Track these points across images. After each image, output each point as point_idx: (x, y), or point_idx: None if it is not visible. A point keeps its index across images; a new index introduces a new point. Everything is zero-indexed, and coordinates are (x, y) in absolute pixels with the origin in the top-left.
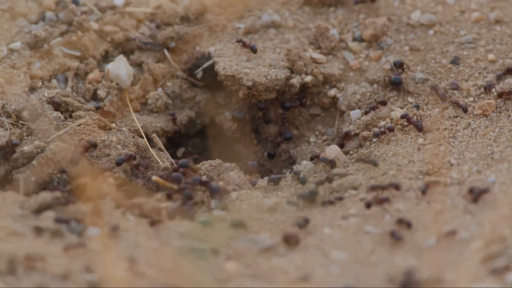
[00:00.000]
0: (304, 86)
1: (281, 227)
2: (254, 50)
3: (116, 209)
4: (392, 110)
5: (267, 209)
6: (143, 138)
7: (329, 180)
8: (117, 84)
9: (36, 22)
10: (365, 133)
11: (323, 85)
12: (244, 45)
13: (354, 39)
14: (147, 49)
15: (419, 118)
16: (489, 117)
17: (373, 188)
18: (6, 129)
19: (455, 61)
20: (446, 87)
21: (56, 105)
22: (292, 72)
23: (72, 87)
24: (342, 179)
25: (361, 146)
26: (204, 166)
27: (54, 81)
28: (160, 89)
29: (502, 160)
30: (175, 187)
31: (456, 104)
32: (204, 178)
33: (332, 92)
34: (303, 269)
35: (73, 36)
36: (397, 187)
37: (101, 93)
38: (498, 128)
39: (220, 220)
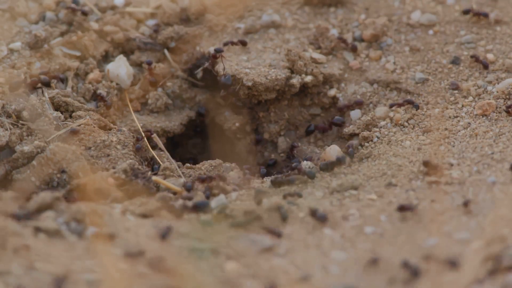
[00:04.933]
0: (304, 86)
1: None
2: (243, 43)
3: (116, 209)
4: (392, 110)
5: (267, 209)
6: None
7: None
8: (117, 84)
9: (36, 22)
10: (365, 133)
11: (323, 85)
12: (233, 43)
13: (354, 39)
14: (147, 49)
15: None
16: (489, 117)
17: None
18: (6, 129)
19: (455, 61)
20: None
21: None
22: (292, 72)
23: (72, 87)
24: (342, 179)
25: (361, 146)
26: (204, 166)
27: (54, 81)
28: (160, 89)
29: (502, 160)
30: (176, 188)
31: (476, 59)
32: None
33: (332, 92)
34: (303, 269)
35: (73, 36)
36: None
37: (101, 93)
38: (498, 128)
39: (220, 220)
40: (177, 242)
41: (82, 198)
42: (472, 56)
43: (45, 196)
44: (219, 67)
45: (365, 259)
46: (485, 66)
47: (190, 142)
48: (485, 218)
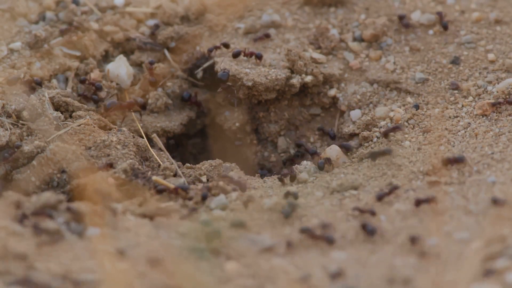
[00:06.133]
0: (304, 86)
1: (281, 226)
2: (226, 45)
3: (116, 209)
4: (392, 110)
5: (267, 209)
6: (143, 138)
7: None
8: (117, 84)
9: (36, 22)
10: (365, 133)
11: (323, 85)
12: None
13: (354, 39)
14: (147, 49)
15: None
16: (489, 117)
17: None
18: (6, 129)
19: (455, 61)
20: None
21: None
22: (292, 72)
23: (72, 87)
24: (342, 179)
25: (361, 145)
26: (204, 166)
27: (54, 81)
28: (160, 89)
29: (502, 160)
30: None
31: (440, 18)
32: (203, 178)
33: (332, 92)
34: (303, 269)
35: (73, 36)
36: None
37: (101, 93)
38: (498, 128)
39: (220, 220)
40: (177, 242)
41: (82, 198)
42: (437, 13)
43: (49, 197)
44: (219, 67)
45: (365, 259)
46: (445, 27)
47: (190, 142)
48: (485, 218)
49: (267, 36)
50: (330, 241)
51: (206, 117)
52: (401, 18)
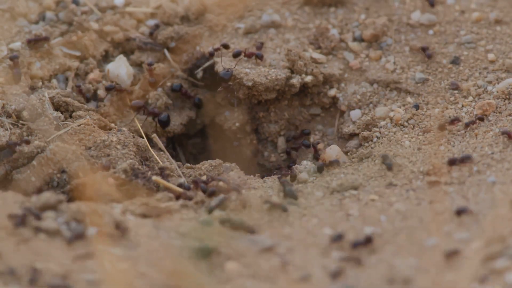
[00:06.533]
0: (304, 86)
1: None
2: (226, 46)
3: (116, 209)
4: (392, 110)
5: (267, 209)
6: (143, 138)
7: None
8: (117, 84)
9: (36, 22)
10: (365, 133)
11: (323, 85)
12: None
13: (354, 39)
14: (147, 49)
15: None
16: (489, 117)
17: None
18: (6, 129)
19: (455, 61)
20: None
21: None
22: (292, 72)
23: (72, 87)
24: (342, 179)
25: (361, 145)
26: (204, 166)
27: (54, 81)
28: (160, 89)
29: (502, 160)
30: (176, 188)
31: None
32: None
33: (332, 92)
34: (303, 269)
35: (73, 36)
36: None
37: (101, 93)
38: (498, 128)
39: (220, 220)
40: (177, 242)
41: (82, 198)
42: None
43: (49, 197)
44: (219, 67)
45: (365, 259)
46: (432, 4)
47: (190, 142)
48: (485, 218)
49: (261, 46)
50: (251, 231)
51: (206, 117)
52: (424, 49)
